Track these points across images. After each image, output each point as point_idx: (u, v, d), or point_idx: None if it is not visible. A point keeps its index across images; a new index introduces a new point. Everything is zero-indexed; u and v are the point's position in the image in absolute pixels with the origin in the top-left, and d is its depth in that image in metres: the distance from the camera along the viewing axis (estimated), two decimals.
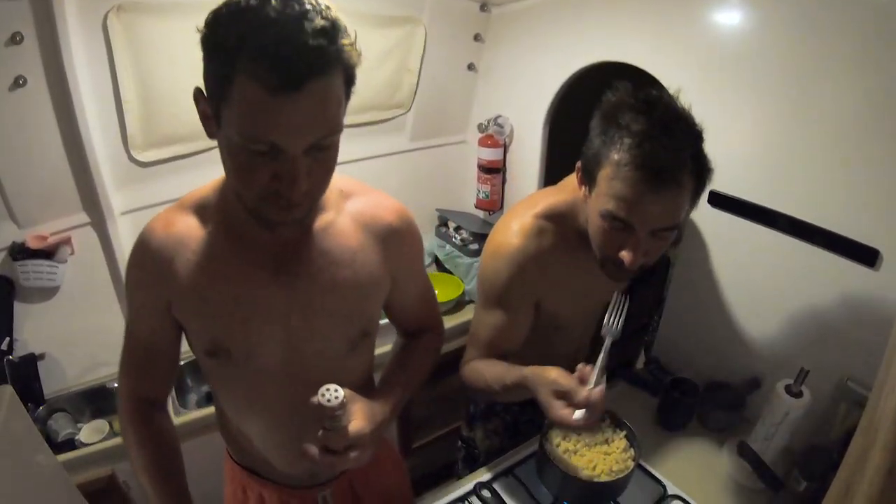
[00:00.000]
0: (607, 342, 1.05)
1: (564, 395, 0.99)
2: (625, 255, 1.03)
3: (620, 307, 1.09)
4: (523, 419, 1.56)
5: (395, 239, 1.04)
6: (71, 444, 1.73)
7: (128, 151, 1.72)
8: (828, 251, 1.23)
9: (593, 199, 1.06)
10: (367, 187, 1.04)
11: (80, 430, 1.77)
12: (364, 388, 1.13)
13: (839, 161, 1.19)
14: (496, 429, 1.59)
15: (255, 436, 1.11)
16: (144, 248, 0.95)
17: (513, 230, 1.20)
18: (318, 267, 0.96)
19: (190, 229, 0.94)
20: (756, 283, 1.42)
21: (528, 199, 1.28)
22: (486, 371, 1.21)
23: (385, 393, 1.04)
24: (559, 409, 0.99)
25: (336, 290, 0.98)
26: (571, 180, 1.20)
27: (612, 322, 1.08)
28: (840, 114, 1.18)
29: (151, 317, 0.98)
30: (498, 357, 1.24)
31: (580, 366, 1.01)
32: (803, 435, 1.34)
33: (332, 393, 0.82)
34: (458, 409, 2.45)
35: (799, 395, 1.23)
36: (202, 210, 0.95)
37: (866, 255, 1.17)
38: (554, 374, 1.02)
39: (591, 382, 0.98)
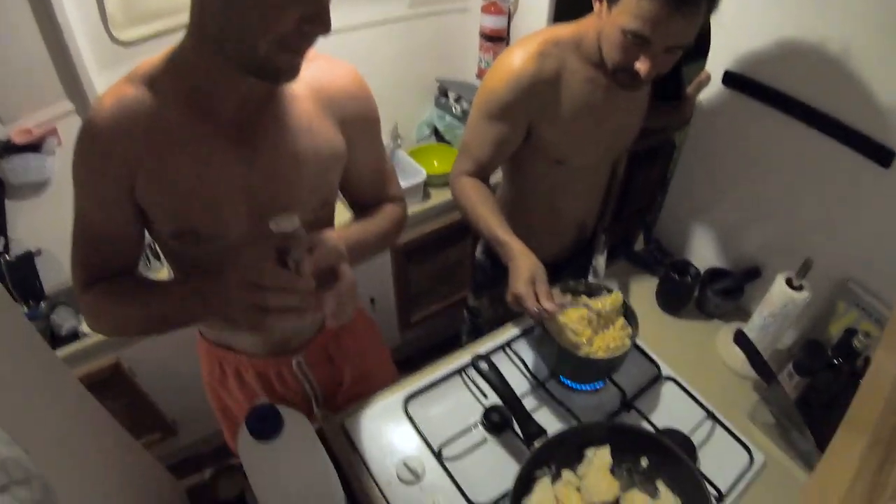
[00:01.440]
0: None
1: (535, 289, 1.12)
2: (640, 65, 1.10)
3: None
4: None
5: (350, 103, 1.01)
6: (75, 336, 1.76)
7: (108, 31, 1.63)
8: (843, 145, 1.18)
9: (614, 15, 1.10)
10: (316, 53, 0.96)
11: (81, 320, 1.79)
12: None
13: (870, 56, 1.11)
14: (502, 297, 1.62)
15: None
16: (95, 132, 0.85)
17: (516, 54, 1.23)
18: (278, 138, 0.93)
19: (141, 104, 0.85)
20: (764, 171, 1.38)
21: (533, 33, 1.28)
22: (478, 205, 1.26)
23: (340, 231, 1.03)
24: (527, 294, 1.12)
25: (298, 160, 0.95)
26: (575, 22, 1.27)
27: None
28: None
29: (111, 206, 0.90)
30: (484, 173, 1.33)
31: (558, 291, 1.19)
32: (799, 330, 1.36)
33: (286, 219, 0.79)
34: (459, 281, 2.51)
35: (800, 288, 1.23)
36: (152, 81, 0.86)
37: (882, 155, 1.12)
38: (534, 272, 1.14)
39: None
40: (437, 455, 1.12)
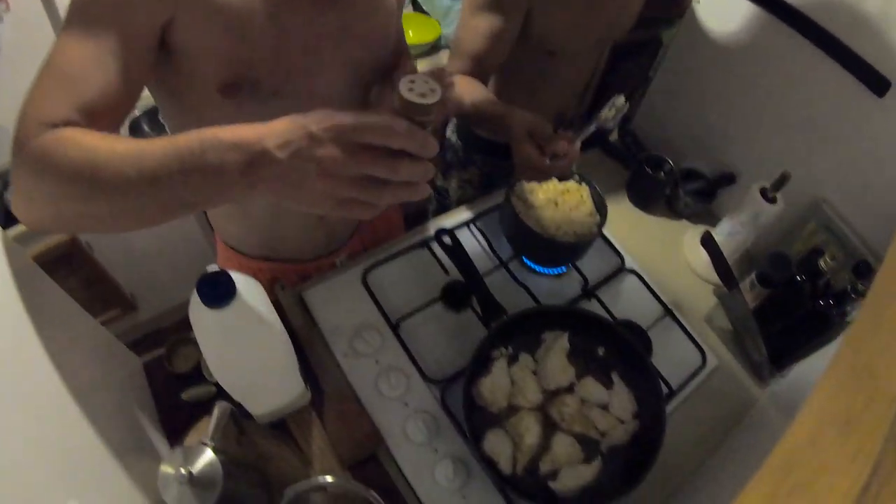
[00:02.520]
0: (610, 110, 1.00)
1: (538, 140, 0.99)
2: None
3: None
4: (499, 173, 1.50)
5: None
6: None
7: None
8: (841, 67, 1.09)
9: None
10: None
11: None
12: None
13: None
14: (471, 179, 1.55)
15: (267, 212, 0.99)
16: None
17: None
18: None
19: None
20: (754, 79, 1.29)
21: None
22: (465, 89, 1.11)
23: None
24: (530, 149, 0.97)
25: (370, 12, 0.82)
26: None
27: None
28: None
29: (125, 44, 0.65)
30: (481, 71, 1.15)
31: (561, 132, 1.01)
32: (766, 242, 1.33)
33: (425, 83, 0.54)
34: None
35: (773, 200, 1.19)
36: None
37: (879, 84, 1.05)
38: (528, 126, 1.00)
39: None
40: (395, 328, 1.06)
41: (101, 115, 0.64)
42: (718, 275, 1.21)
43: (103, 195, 0.57)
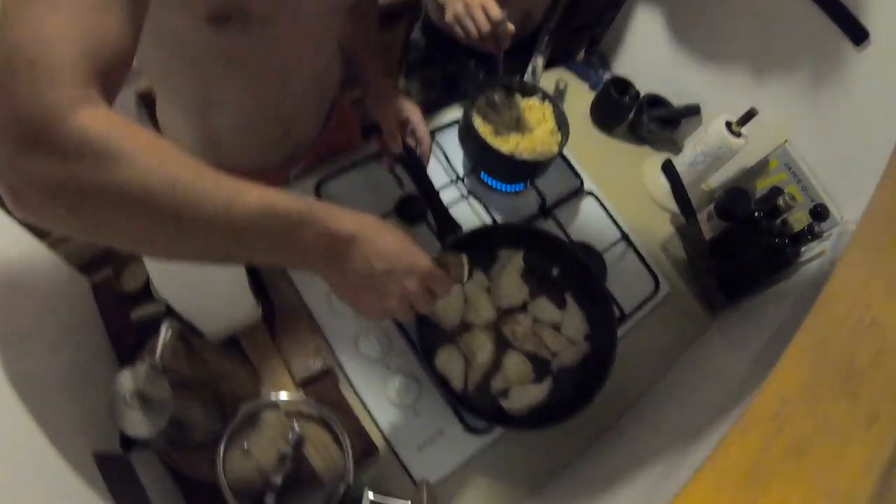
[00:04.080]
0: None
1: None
2: None
3: None
4: (462, 73, 1.44)
5: None
6: None
7: None
8: (821, 10, 1.05)
9: None
10: None
11: None
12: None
13: None
14: (433, 79, 1.48)
15: (234, 124, 0.93)
16: None
17: None
18: None
19: None
20: (729, 12, 1.24)
21: None
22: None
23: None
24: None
25: None
26: None
27: None
28: None
29: None
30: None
31: None
32: (727, 176, 1.31)
33: (457, 258, 0.70)
34: (387, 68, 2.27)
35: (738, 135, 1.16)
36: None
37: (856, 32, 1.01)
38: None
39: None
40: None
41: (116, 71, 0.48)
42: (677, 203, 1.20)
43: (170, 230, 0.47)
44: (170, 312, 0.80)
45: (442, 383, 0.88)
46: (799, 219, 1.11)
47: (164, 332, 0.70)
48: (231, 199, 0.48)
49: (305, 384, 0.90)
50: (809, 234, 1.03)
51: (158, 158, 0.45)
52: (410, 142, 1.01)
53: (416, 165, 1.00)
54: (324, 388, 0.91)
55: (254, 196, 0.50)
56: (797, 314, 0.88)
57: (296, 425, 0.78)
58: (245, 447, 0.75)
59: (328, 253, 0.58)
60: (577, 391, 0.93)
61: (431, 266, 0.65)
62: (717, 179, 1.33)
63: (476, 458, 0.94)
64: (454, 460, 0.92)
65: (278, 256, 0.56)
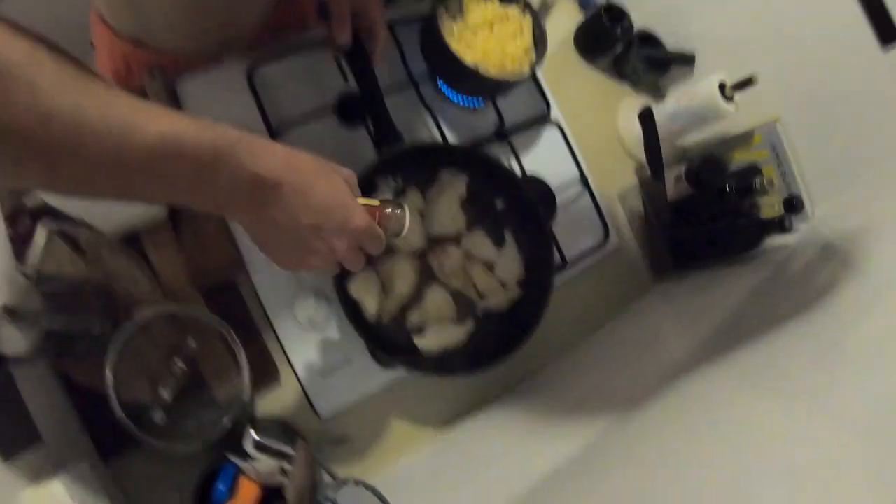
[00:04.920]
0: None
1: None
2: None
3: None
4: None
5: None
6: None
7: None
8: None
9: None
10: None
11: None
12: None
13: None
14: None
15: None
16: None
17: None
18: None
19: None
20: None
21: None
22: None
23: None
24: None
25: None
26: None
27: None
28: None
29: None
30: None
31: None
32: (706, 140, 1.20)
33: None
34: None
35: (729, 99, 1.05)
36: None
37: (887, 31, 0.89)
38: None
39: None
40: (274, 136, 0.88)
41: None
42: (646, 155, 1.10)
43: (41, 167, 0.40)
44: (50, 212, 0.70)
45: (352, 310, 0.79)
46: (769, 203, 1.04)
47: (38, 236, 0.64)
48: (124, 132, 0.40)
49: (208, 294, 0.80)
50: (779, 227, 0.96)
51: (63, 85, 0.38)
52: (362, 35, 0.86)
53: (362, 62, 0.86)
54: (228, 299, 0.83)
55: (154, 129, 0.42)
56: (760, 311, 0.84)
57: (191, 339, 0.73)
58: (136, 357, 0.70)
59: (247, 199, 0.50)
60: (499, 339, 0.85)
61: (367, 224, 0.57)
62: (693, 138, 1.23)
63: (384, 392, 0.88)
64: (359, 392, 0.86)
65: (184, 200, 0.49)
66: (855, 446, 0.50)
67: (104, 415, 0.65)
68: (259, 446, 0.66)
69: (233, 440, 0.69)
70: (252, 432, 0.66)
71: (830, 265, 0.88)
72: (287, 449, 0.67)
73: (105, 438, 0.73)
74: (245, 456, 0.66)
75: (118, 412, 0.66)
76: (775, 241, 1.01)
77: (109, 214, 0.73)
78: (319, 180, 0.54)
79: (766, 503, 0.48)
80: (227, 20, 0.86)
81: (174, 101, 0.86)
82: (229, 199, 0.50)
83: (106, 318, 0.71)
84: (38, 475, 0.60)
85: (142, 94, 0.82)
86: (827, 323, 0.70)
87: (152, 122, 0.42)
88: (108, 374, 0.66)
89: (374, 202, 0.61)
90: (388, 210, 0.61)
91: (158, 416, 0.69)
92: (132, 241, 0.78)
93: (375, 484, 0.75)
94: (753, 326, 0.78)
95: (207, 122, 0.46)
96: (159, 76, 0.84)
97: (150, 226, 0.79)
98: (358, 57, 0.86)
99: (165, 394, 0.70)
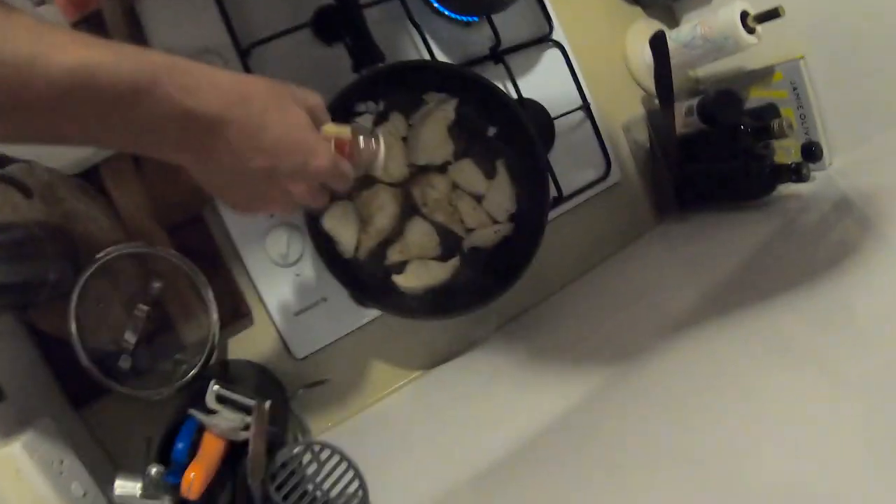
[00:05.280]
0: None
1: None
2: None
3: None
4: None
5: None
6: None
7: None
8: None
9: None
10: None
11: None
12: None
13: None
14: None
15: None
16: None
17: None
18: None
19: None
20: None
21: None
22: None
23: None
24: None
25: None
26: None
27: None
28: None
29: None
30: None
31: None
32: (721, 73, 1.11)
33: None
34: None
35: (751, 31, 0.95)
36: None
37: None
38: None
39: None
40: (243, 55, 0.78)
41: None
42: (656, 84, 1.01)
43: None
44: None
45: (326, 247, 0.73)
46: (785, 147, 0.96)
47: None
48: (22, 65, 0.34)
49: (174, 229, 0.74)
50: (795, 175, 0.87)
51: None
52: None
53: None
54: (195, 235, 0.77)
55: (60, 60, 0.35)
56: (767, 266, 0.77)
57: (156, 279, 0.68)
58: (99, 302, 0.66)
59: (179, 141, 0.43)
60: (485, 278, 0.79)
61: (329, 164, 0.49)
62: (707, 70, 1.13)
63: (363, 331, 0.83)
64: (337, 331, 0.81)
65: (106, 143, 0.44)
66: (856, 412, 0.46)
67: (73, 362, 0.63)
68: (221, 399, 0.62)
69: (201, 387, 0.65)
70: (214, 386, 0.61)
71: (844, 222, 0.82)
72: (251, 402, 0.62)
73: (76, 386, 0.71)
74: (208, 410, 0.62)
75: (84, 360, 0.63)
76: (787, 189, 0.93)
77: (62, 150, 0.68)
78: (272, 114, 0.46)
79: (767, 465, 0.43)
80: None
81: (134, 22, 0.78)
82: (158, 141, 0.43)
83: (66, 261, 0.66)
84: None
85: (99, 17, 0.74)
86: (837, 284, 0.64)
87: (57, 51, 0.35)
88: (71, 321, 0.63)
89: (345, 130, 0.53)
90: (361, 141, 0.54)
91: (125, 362, 0.66)
92: (90, 175, 0.72)
93: (348, 429, 0.71)
94: (760, 282, 0.73)
95: (129, 49, 0.39)
96: None
97: (109, 158, 0.72)
98: None
99: (130, 338, 0.66)
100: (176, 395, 0.67)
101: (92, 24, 0.72)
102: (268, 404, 0.62)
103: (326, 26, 0.84)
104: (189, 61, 0.42)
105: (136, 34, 0.78)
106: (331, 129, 0.53)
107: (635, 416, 0.58)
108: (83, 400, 0.72)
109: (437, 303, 0.77)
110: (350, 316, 0.81)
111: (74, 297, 0.63)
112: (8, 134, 0.38)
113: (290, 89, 0.50)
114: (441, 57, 0.88)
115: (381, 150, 0.56)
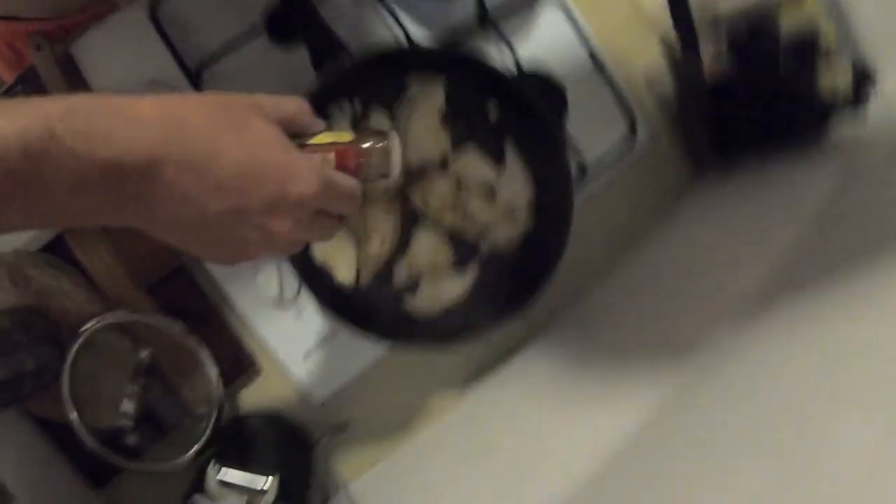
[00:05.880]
0: None
1: None
2: None
3: None
4: None
5: None
6: None
7: None
8: None
9: None
10: None
11: None
12: None
13: None
14: None
15: None
16: None
17: None
18: None
19: None
20: None
21: None
22: None
23: None
24: None
25: None
26: None
27: None
28: None
29: None
30: None
31: None
32: (746, 8, 0.97)
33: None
34: None
35: None
36: None
37: None
38: None
39: None
40: (195, 78, 0.70)
41: None
42: (675, 27, 0.88)
43: None
44: None
45: (322, 283, 0.64)
46: (828, 76, 0.81)
47: None
48: None
49: (156, 287, 0.69)
50: (854, 100, 0.74)
51: None
52: None
53: None
54: (179, 289, 0.71)
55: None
56: (843, 216, 0.63)
57: (143, 349, 0.65)
58: (91, 380, 0.64)
59: (108, 200, 0.34)
60: (511, 283, 0.68)
61: (318, 186, 0.40)
62: (730, 4, 1.00)
63: (383, 361, 0.73)
64: (351, 368, 0.73)
65: (26, 223, 0.33)
66: None
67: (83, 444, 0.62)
68: (223, 483, 0.54)
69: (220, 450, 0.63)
70: (213, 470, 0.54)
71: None
72: (258, 481, 0.55)
73: (93, 465, 0.67)
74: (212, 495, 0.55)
75: (90, 443, 0.61)
76: (840, 126, 0.79)
77: None
78: (224, 138, 0.36)
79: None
80: None
81: (71, 69, 0.71)
82: (87, 207, 0.33)
83: (47, 345, 0.62)
84: None
85: (34, 72, 0.69)
86: None
87: None
88: (69, 407, 0.61)
89: (344, 136, 0.44)
90: (367, 145, 0.45)
91: (131, 439, 0.64)
92: (56, 246, 0.68)
93: (381, 474, 0.68)
94: (842, 239, 0.59)
95: (13, 105, 0.30)
96: (45, 45, 0.69)
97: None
98: None
99: (130, 413, 0.64)
100: (195, 459, 0.64)
101: (27, 80, 0.69)
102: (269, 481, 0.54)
103: (281, 28, 0.73)
104: (97, 97, 0.33)
105: (76, 80, 0.71)
106: (325, 137, 0.43)
107: (727, 433, 0.45)
108: (104, 479, 0.70)
109: (459, 323, 0.67)
110: (365, 348, 0.72)
111: (65, 380, 0.61)
112: None
113: (251, 100, 0.40)
114: (421, 36, 0.76)
115: (396, 148, 0.47)
